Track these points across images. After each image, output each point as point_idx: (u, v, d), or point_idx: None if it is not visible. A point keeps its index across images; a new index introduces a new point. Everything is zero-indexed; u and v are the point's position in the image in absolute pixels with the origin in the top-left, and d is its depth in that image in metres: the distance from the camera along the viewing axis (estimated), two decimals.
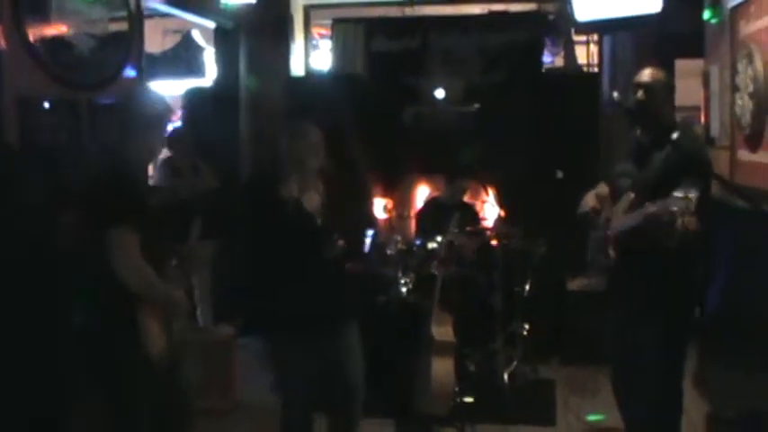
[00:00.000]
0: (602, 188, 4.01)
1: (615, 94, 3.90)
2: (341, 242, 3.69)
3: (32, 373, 3.73)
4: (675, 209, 3.16)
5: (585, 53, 8.37)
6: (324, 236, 3.67)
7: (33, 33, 4.54)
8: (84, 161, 4.69)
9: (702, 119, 5.97)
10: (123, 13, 5.37)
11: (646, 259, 3.62)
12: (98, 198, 3.18)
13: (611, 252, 3.76)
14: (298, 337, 3.72)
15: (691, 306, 3.99)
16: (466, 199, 6.54)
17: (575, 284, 6.22)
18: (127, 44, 5.39)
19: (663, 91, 3.75)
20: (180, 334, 3.50)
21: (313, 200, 3.72)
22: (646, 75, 3.73)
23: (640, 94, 3.69)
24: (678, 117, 7.44)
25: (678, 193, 3.19)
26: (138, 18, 5.53)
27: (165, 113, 3.43)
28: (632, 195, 3.67)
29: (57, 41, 4.78)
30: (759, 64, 4.52)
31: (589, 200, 4.02)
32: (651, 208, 3.33)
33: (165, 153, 6.65)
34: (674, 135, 3.68)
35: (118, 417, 3.27)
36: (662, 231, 3.34)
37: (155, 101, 3.44)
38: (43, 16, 4.66)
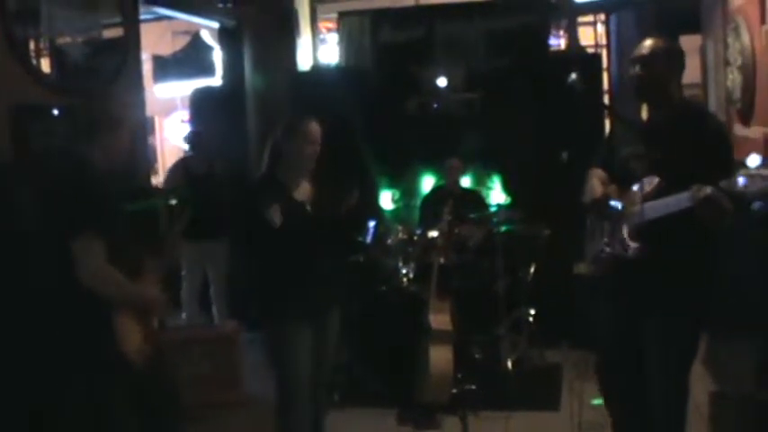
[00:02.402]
0: (601, 173, 3.69)
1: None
2: (354, 195, 3.79)
3: (12, 376, 3.83)
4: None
5: (593, 34, 8.31)
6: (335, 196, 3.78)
7: (24, 42, 4.66)
8: (72, 168, 4.78)
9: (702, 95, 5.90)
10: (117, 20, 5.47)
11: (675, 247, 3.30)
12: (60, 205, 3.22)
13: (630, 243, 3.39)
14: (295, 325, 3.77)
15: (710, 294, 3.60)
16: (469, 185, 6.56)
17: (582, 268, 6.17)
18: (123, 50, 5.48)
19: (666, 63, 3.36)
20: (168, 331, 3.55)
21: (305, 189, 3.85)
22: (645, 47, 3.37)
23: (639, 68, 3.36)
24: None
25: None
26: (133, 24, 5.61)
27: (126, 115, 3.47)
28: (655, 180, 3.30)
29: (49, 50, 4.90)
30: (746, 37, 4.46)
31: (596, 187, 3.63)
32: (707, 190, 2.99)
33: (180, 154, 6.77)
34: (691, 111, 3.41)
35: (97, 417, 3.32)
36: (717, 214, 3.03)
37: (126, 104, 3.49)
38: (34, 25, 4.77)
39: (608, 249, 3.52)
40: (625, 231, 3.41)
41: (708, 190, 2.98)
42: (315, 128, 3.83)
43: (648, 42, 3.39)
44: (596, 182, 3.65)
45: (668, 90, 3.38)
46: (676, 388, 3.51)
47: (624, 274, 3.47)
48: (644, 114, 3.61)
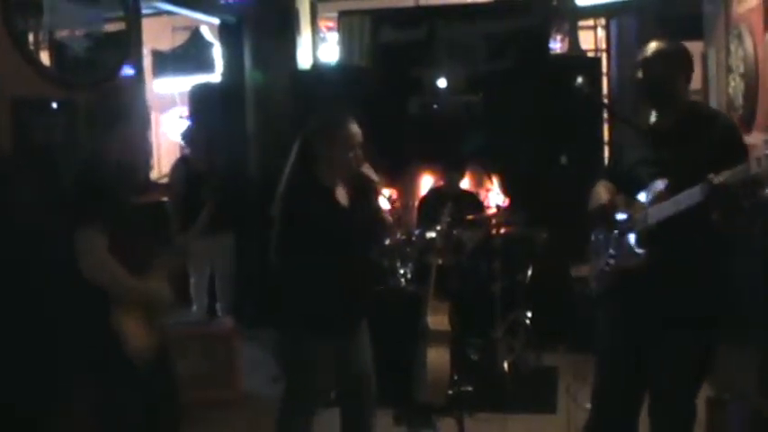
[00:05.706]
0: (608, 184, 3.51)
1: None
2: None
3: (17, 374, 3.81)
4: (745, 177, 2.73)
5: (593, 38, 8.33)
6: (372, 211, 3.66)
7: (26, 35, 4.65)
8: (80, 160, 4.77)
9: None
10: (120, 13, 5.45)
11: (685, 253, 3.11)
12: (67, 199, 3.20)
13: (637, 250, 3.21)
14: (322, 333, 3.53)
15: (723, 304, 3.36)
16: (468, 188, 6.55)
17: (580, 271, 6.17)
18: (124, 44, 5.46)
19: (671, 64, 3.22)
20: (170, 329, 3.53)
21: (342, 193, 3.59)
22: (650, 49, 3.24)
23: (645, 71, 3.23)
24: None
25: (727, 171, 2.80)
26: (135, 17, 5.59)
27: (142, 111, 3.44)
28: (663, 184, 3.13)
29: (50, 42, 4.89)
30: (749, 44, 4.46)
31: (602, 193, 3.44)
32: (720, 178, 2.81)
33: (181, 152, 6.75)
34: (699, 111, 3.28)
35: (103, 414, 3.28)
36: (731, 206, 2.85)
37: (132, 98, 3.45)
38: (35, 18, 4.76)
39: (613, 262, 3.30)
40: (632, 238, 3.22)
41: (722, 177, 2.79)
42: (356, 131, 3.48)
43: (653, 44, 3.27)
44: (602, 189, 3.47)
45: (675, 92, 3.24)
46: (685, 410, 3.32)
47: (630, 287, 3.25)
48: (651, 119, 3.40)
